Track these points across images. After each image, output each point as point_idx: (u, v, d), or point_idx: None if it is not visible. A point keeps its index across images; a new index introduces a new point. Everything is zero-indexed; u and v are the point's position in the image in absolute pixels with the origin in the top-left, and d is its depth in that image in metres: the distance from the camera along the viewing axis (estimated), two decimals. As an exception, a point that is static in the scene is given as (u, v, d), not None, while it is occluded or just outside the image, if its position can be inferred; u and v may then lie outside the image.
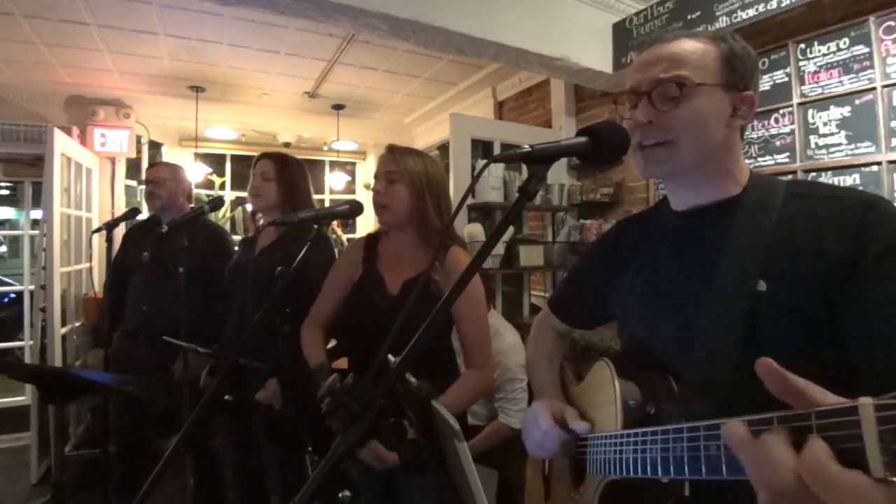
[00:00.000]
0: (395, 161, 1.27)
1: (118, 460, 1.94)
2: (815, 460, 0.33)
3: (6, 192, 11.25)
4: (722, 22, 2.21)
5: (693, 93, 0.69)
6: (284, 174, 1.73)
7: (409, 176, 1.25)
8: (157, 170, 2.23)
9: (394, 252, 1.34)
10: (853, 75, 2.02)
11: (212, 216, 2.22)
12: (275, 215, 1.72)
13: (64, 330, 2.92)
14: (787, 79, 2.24)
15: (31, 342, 3.40)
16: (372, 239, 1.41)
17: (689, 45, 0.72)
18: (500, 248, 2.90)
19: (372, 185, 1.32)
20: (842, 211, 0.63)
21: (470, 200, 2.80)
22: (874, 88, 1.96)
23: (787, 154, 2.25)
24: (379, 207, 1.27)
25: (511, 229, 2.92)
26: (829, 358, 0.61)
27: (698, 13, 2.32)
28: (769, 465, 0.36)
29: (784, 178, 0.73)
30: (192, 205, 2.27)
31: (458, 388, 1.19)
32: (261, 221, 1.81)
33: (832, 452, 0.33)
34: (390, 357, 0.59)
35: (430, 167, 1.30)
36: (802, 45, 2.19)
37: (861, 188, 1.98)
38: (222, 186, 4.75)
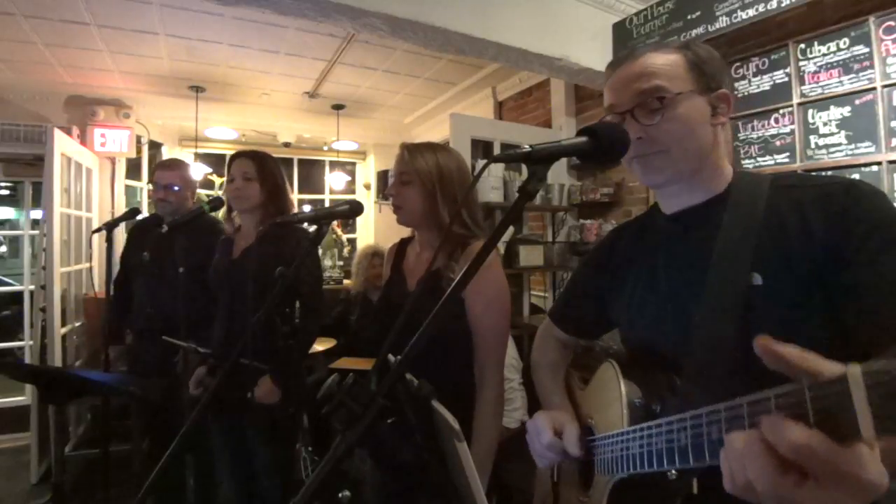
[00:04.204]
0: (406, 161, 1.25)
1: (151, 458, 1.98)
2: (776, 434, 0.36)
3: (6, 192, 11.24)
4: (722, 22, 2.21)
5: (673, 103, 0.71)
6: (266, 173, 1.68)
7: (419, 176, 1.23)
8: (167, 175, 2.17)
9: (417, 252, 1.34)
10: (853, 75, 2.02)
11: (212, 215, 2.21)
12: (257, 215, 1.70)
13: (64, 330, 2.92)
14: (787, 79, 2.24)
15: (31, 342, 3.40)
16: (404, 242, 1.41)
17: (658, 59, 0.74)
18: (500, 248, 2.90)
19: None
20: (824, 196, 0.65)
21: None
22: (874, 88, 1.96)
23: (787, 154, 2.25)
24: (394, 208, 1.28)
25: (511, 229, 2.92)
26: (827, 344, 0.62)
27: (698, 13, 2.32)
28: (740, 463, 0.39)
29: (767, 172, 0.76)
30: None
31: (482, 437, 1.14)
32: (237, 221, 1.77)
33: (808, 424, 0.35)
34: (391, 357, 0.59)
35: (444, 162, 1.25)
36: (802, 45, 2.19)
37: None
38: (222, 186, 4.76)
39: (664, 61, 0.74)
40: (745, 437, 0.40)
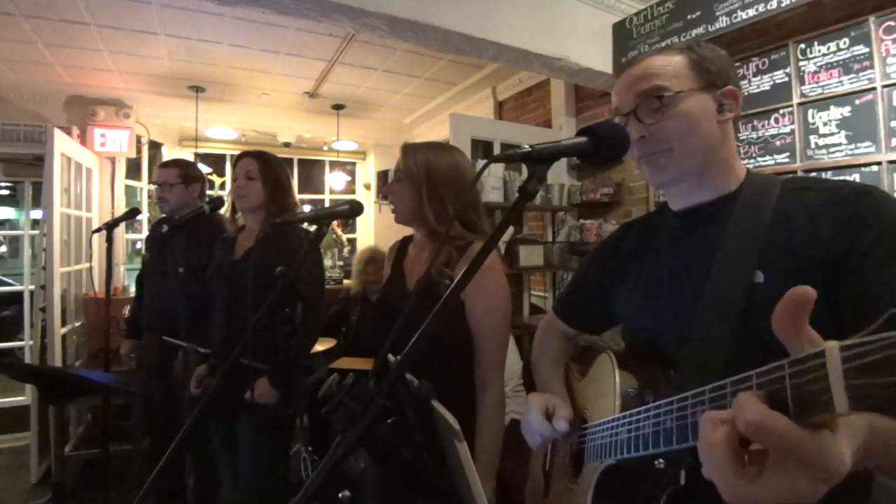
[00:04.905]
0: (399, 160, 1.27)
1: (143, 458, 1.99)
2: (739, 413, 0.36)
3: (6, 192, 11.25)
4: (722, 22, 2.21)
5: (674, 101, 0.72)
6: (268, 172, 1.70)
7: (407, 175, 1.24)
8: (167, 172, 2.19)
9: (416, 251, 1.33)
10: (853, 75, 2.02)
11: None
12: (260, 215, 1.71)
13: (64, 330, 2.92)
14: (787, 79, 2.24)
15: (31, 342, 3.40)
16: (406, 240, 1.41)
17: (659, 61, 0.75)
18: (500, 249, 2.90)
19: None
20: (835, 200, 0.65)
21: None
22: (874, 88, 1.96)
23: (787, 154, 2.25)
24: (392, 206, 1.29)
25: (511, 229, 2.92)
26: None
27: (698, 13, 2.32)
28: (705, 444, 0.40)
29: (771, 173, 0.76)
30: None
31: (484, 441, 1.14)
32: (240, 221, 1.78)
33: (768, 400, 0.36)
34: (390, 357, 0.59)
35: (435, 161, 1.24)
36: (802, 45, 2.19)
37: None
38: (222, 186, 4.75)
39: (664, 62, 0.75)
40: (707, 419, 0.40)
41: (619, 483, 0.72)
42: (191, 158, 4.54)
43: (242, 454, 1.63)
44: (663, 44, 2.45)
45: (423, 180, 1.23)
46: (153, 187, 4.32)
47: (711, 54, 0.76)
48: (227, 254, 1.73)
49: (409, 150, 1.28)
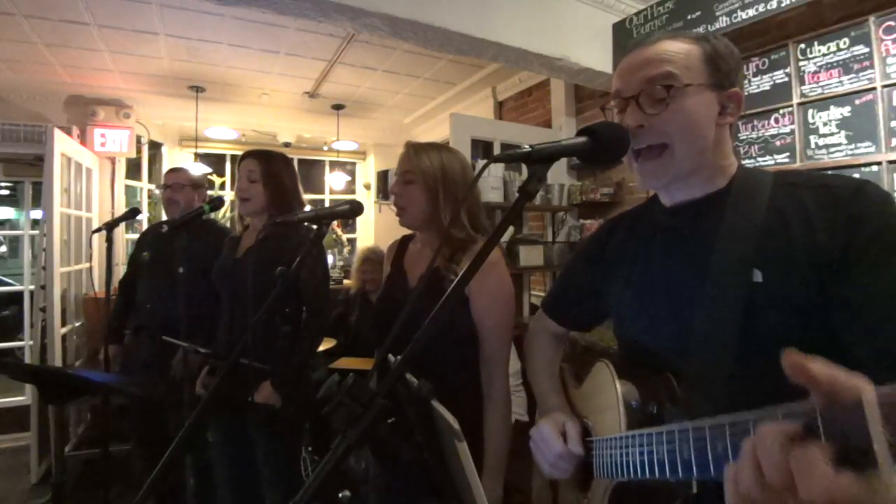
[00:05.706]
0: (410, 160, 1.24)
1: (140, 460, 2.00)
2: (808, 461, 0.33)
3: (6, 192, 11.25)
4: (722, 22, 2.21)
5: (681, 93, 0.68)
6: (270, 174, 1.68)
7: (422, 176, 1.21)
8: (177, 175, 2.26)
9: (419, 249, 1.32)
10: (853, 75, 2.02)
11: (212, 216, 2.22)
12: (263, 217, 1.69)
13: (64, 330, 2.92)
14: (787, 79, 2.24)
15: (31, 342, 3.41)
16: (405, 238, 1.40)
17: (673, 47, 0.71)
18: (502, 246, 2.90)
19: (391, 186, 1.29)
20: (830, 199, 0.63)
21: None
22: (874, 88, 1.96)
23: (787, 154, 2.25)
24: (397, 209, 1.26)
25: (511, 229, 2.92)
26: (826, 347, 0.62)
27: (698, 13, 2.32)
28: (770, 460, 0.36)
29: (770, 169, 0.74)
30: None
31: (493, 437, 1.14)
32: (247, 220, 1.77)
33: (832, 454, 0.33)
34: (391, 357, 0.59)
35: (448, 162, 1.23)
36: (802, 45, 2.19)
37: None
38: (222, 186, 4.76)
39: (678, 49, 0.71)
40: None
41: (631, 495, 0.70)
42: (191, 158, 4.56)
43: (249, 456, 1.62)
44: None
45: (440, 182, 1.21)
46: (154, 188, 4.33)
47: (726, 50, 0.72)
48: (230, 253, 1.73)
49: (420, 150, 1.25)
